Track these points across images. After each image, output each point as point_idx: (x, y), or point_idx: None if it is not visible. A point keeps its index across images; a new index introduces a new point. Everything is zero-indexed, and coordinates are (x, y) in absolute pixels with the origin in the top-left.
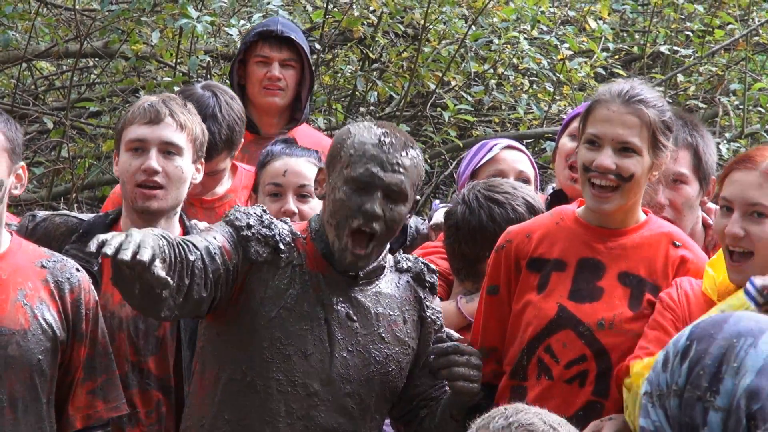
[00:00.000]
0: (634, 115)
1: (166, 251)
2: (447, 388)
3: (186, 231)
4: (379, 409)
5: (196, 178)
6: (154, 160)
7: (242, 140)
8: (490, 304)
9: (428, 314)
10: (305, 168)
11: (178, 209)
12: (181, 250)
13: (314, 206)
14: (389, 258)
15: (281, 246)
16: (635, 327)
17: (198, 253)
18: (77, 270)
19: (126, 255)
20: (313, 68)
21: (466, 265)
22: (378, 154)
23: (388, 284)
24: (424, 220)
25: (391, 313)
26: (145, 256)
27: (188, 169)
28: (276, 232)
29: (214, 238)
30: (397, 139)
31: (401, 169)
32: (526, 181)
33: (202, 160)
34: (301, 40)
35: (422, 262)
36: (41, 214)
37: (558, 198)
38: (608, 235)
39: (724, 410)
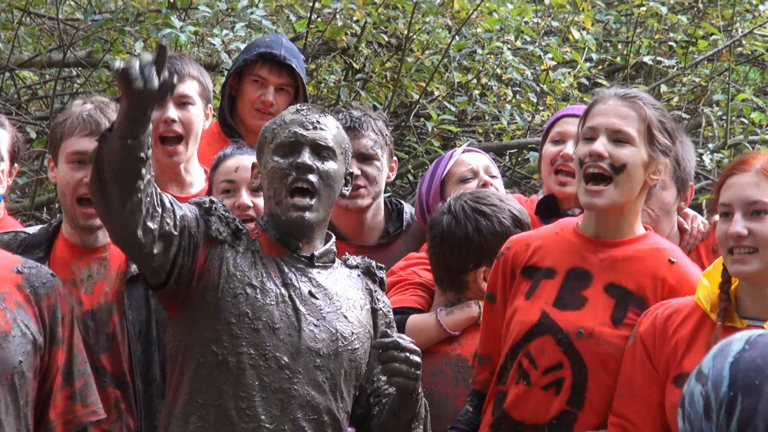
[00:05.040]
0: (629, 107)
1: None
2: None
3: None
4: (347, 390)
5: None
6: None
7: None
8: (488, 312)
9: (379, 306)
10: None
11: None
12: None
13: None
14: (337, 261)
15: (240, 228)
16: (614, 339)
17: (167, 197)
18: (52, 275)
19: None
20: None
21: (450, 276)
22: (297, 118)
23: (341, 274)
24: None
25: (348, 297)
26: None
27: None
28: (234, 216)
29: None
30: (314, 106)
31: (323, 126)
32: (494, 176)
33: None
34: (301, 68)
35: (369, 260)
36: None
37: (548, 203)
38: (601, 245)
39: None
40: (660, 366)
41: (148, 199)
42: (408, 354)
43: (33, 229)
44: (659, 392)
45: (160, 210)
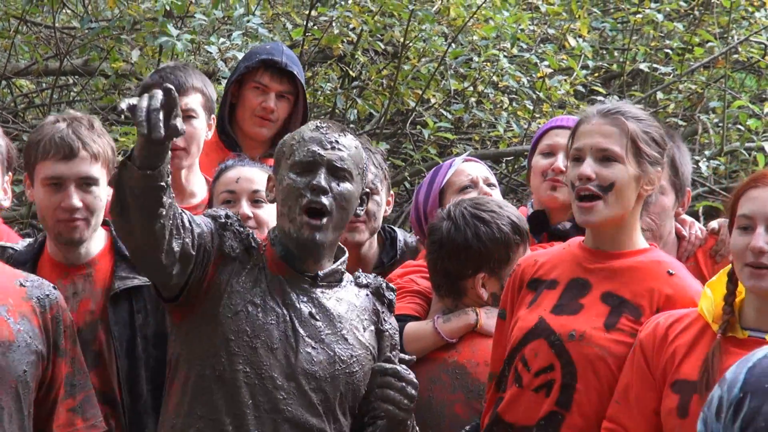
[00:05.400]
0: (612, 125)
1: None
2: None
3: (113, 236)
4: (343, 412)
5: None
6: (75, 198)
7: None
8: (499, 329)
9: (386, 328)
10: (257, 175)
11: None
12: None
13: (268, 211)
14: (348, 275)
15: (253, 244)
16: (605, 342)
17: (186, 215)
18: (54, 288)
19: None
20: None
21: (448, 282)
22: (316, 136)
23: (349, 293)
24: (410, 232)
25: (352, 318)
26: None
27: (105, 194)
28: (249, 232)
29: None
30: (334, 125)
31: (341, 147)
32: (493, 186)
33: None
34: (301, 76)
35: (381, 280)
36: None
37: (538, 218)
38: (602, 256)
39: None
40: (657, 372)
41: (171, 221)
42: (405, 384)
43: (21, 244)
44: (655, 399)
45: (181, 230)
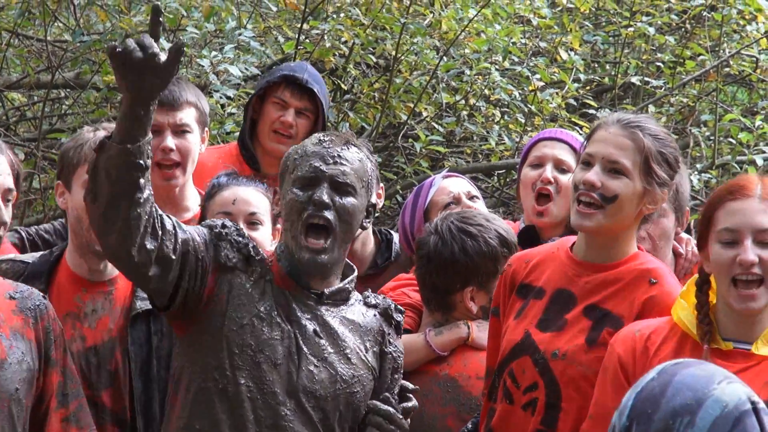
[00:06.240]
0: (628, 138)
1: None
2: None
3: None
4: (342, 430)
5: None
6: None
7: None
8: (493, 326)
9: (390, 350)
10: (253, 196)
11: None
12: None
13: (264, 234)
14: (357, 295)
15: (252, 254)
16: (586, 359)
17: (171, 220)
18: (43, 297)
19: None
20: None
21: (437, 296)
22: (319, 150)
23: (355, 313)
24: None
25: (356, 338)
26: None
27: None
28: (250, 243)
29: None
30: (338, 137)
31: (343, 161)
32: (476, 198)
33: None
34: (323, 95)
35: (390, 301)
36: None
37: (528, 233)
38: (589, 268)
39: None
40: None
41: (147, 217)
42: (395, 428)
43: (30, 256)
44: None
45: (160, 232)
